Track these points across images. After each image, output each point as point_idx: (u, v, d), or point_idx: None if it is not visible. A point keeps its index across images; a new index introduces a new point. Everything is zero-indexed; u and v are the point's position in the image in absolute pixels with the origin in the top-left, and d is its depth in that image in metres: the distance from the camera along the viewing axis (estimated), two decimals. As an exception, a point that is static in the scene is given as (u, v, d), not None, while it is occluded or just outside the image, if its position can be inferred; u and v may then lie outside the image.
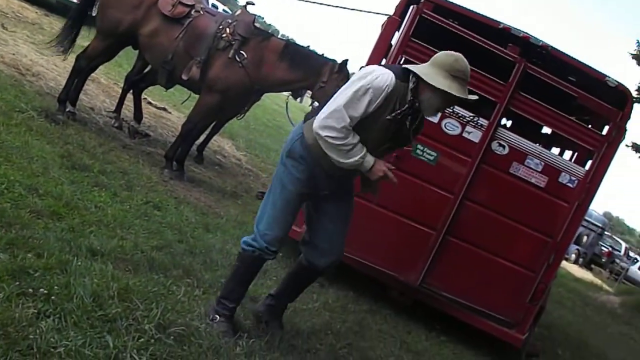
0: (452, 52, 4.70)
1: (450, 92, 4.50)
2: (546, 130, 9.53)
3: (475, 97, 4.70)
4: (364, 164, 4.64)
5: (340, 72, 8.60)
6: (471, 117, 7.14)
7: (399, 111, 4.58)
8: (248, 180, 11.23)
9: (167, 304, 4.68)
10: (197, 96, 9.27)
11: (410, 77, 4.60)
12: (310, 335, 5.63)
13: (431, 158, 7.13)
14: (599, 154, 7.34)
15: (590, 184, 7.34)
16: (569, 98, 7.33)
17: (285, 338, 5.25)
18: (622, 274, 33.71)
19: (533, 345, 8.22)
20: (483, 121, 7.16)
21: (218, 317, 4.92)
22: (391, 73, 4.53)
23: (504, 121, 10.07)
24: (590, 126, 7.97)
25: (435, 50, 6.92)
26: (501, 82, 7.17)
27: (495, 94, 7.16)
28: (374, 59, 7.37)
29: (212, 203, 8.36)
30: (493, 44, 7.13)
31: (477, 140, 7.16)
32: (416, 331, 7.17)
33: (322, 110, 4.57)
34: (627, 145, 19.21)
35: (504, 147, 7.21)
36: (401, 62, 7.05)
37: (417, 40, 7.16)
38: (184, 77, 8.65)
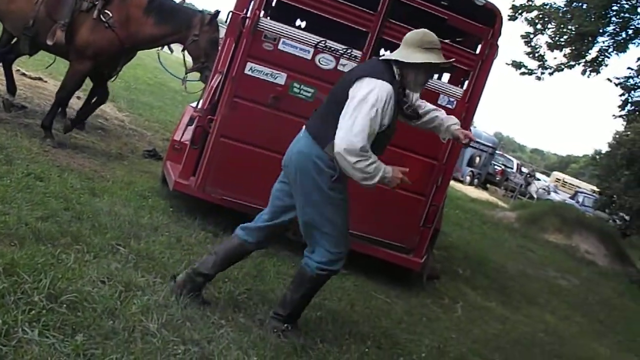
0: (419, 29, 5.06)
1: (430, 62, 4.84)
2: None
3: (452, 60, 5.16)
4: (385, 177, 4.79)
5: (211, 24, 8.49)
6: (344, 50, 7.11)
7: (405, 106, 5.00)
8: (133, 140, 11.04)
9: (57, 273, 4.57)
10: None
11: (394, 68, 4.87)
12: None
13: (309, 95, 7.09)
14: (475, 73, 7.47)
15: (469, 103, 7.48)
16: (440, 21, 7.37)
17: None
18: (517, 189, 34.70)
19: (432, 268, 8.38)
20: (357, 52, 7.14)
21: (290, 326, 5.15)
22: (383, 82, 4.72)
23: (382, 52, 10.14)
24: (464, 46, 8.04)
25: None
26: (370, 11, 7.15)
27: (365, 24, 7.16)
28: (239, 5, 7.29)
29: (97, 167, 8.18)
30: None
31: (332, 65, 7.17)
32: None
33: (343, 134, 4.64)
34: (507, 64, 19.50)
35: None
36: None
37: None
38: (49, 42, 8.34)
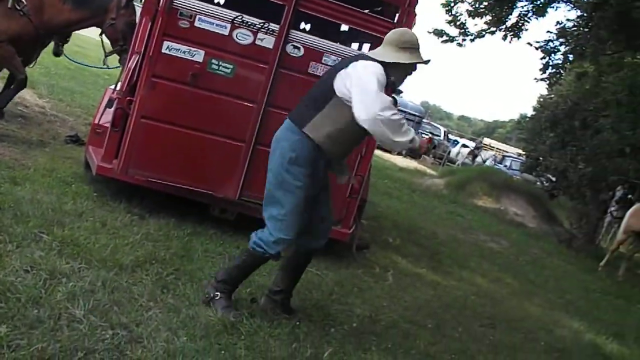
0: (398, 28, 5.41)
1: (407, 62, 5.04)
2: (345, 27, 9.60)
3: (429, 59, 5.14)
4: (415, 138, 4.87)
5: (127, 7, 8.38)
6: (261, 24, 7.05)
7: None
8: (54, 126, 10.80)
9: (-23, 265, 4.47)
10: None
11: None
12: (135, 269, 5.56)
13: (228, 71, 7.02)
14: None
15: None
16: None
17: (109, 276, 5.17)
18: (445, 156, 35.13)
19: (361, 238, 8.43)
20: (274, 26, 7.09)
21: (219, 294, 5.23)
22: (375, 63, 4.93)
23: (302, 26, 10.09)
24: (383, 16, 8.04)
25: None
26: (287, -16, 7.10)
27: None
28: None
29: (18, 156, 7.99)
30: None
31: (271, 46, 7.08)
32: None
33: (360, 101, 4.71)
34: (428, 32, 19.56)
35: (299, 48, 7.18)
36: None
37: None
38: None
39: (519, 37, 18.74)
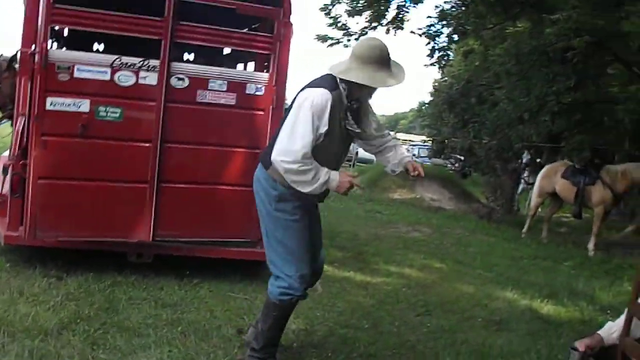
0: (365, 38, 5.10)
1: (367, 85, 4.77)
2: (227, 50, 9.60)
3: (402, 79, 4.88)
4: (331, 182, 4.69)
5: (9, 69, 8.16)
6: (141, 62, 6.99)
7: (347, 119, 4.84)
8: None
9: None
10: None
11: (339, 82, 4.77)
12: (61, 331, 5.44)
13: (116, 115, 6.91)
14: (275, 55, 7.49)
15: (277, 85, 7.49)
16: (230, 12, 7.38)
17: (35, 344, 5.06)
18: (353, 157, 35.35)
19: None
20: (154, 62, 7.03)
21: None
22: (323, 89, 4.68)
23: (186, 56, 10.06)
24: (261, 32, 8.06)
25: (87, 10, 6.77)
26: (158, 19, 7.05)
27: (156, 32, 7.05)
28: (26, 36, 7.01)
29: None
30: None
31: (155, 83, 7.01)
32: (168, 285, 7.10)
33: (278, 147, 4.63)
34: (314, 39, 19.68)
35: (183, 80, 7.13)
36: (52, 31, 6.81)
37: (62, 6, 6.84)
38: None
39: (401, 28, 19.01)
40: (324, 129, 4.66)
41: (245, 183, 7.20)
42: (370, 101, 5.19)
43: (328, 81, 4.80)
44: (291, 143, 4.58)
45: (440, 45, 19.69)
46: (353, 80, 4.73)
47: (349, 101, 4.83)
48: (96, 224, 7.03)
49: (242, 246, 7.53)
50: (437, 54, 19.77)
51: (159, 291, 6.87)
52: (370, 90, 4.92)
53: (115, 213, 7.10)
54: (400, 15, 18.91)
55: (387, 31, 19.01)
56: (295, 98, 4.86)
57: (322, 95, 4.66)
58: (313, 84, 4.82)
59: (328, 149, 4.81)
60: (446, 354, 6.06)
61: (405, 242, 12.82)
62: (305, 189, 4.66)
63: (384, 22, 18.84)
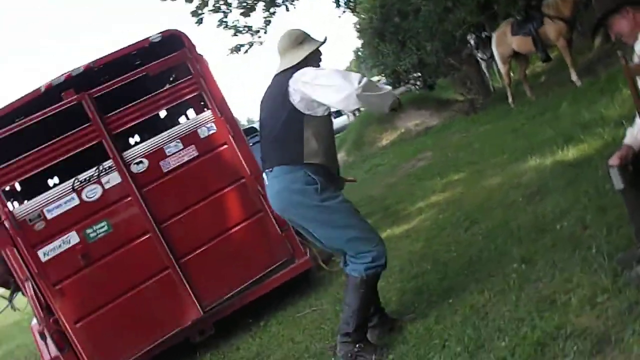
0: (283, 33, 5.16)
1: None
2: (162, 113, 9.58)
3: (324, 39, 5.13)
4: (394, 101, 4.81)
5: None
6: (97, 171, 7.01)
7: None
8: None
9: None
10: None
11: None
12: None
13: (105, 228, 6.94)
14: (204, 90, 7.50)
15: (224, 114, 7.50)
16: (147, 79, 7.40)
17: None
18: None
19: (319, 253, 8.32)
20: (107, 163, 7.05)
21: (359, 344, 5.03)
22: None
23: (137, 139, 10.04)
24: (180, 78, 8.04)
25: (24, 156, 6.84)
26: (87, 124, 7.06)
27: (93, 138, 7.06)
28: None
29: None
30: (51, 108, 7.00)
31: (120, 179, 7.06)
32: (241, 341, 7.15)
33: (337, 90, 4.66)
34: (229, 50, 19.68)
35: (141, 162, 7.16)
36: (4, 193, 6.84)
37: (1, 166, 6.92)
38: None
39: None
40: None
41: (248, 214, 7.33)
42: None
43: (281, 80, 5.00)
44: (351, 80, 4.66)
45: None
46: (303, 59, 5.01)
47: None
48: (147, 331, 7.04)
49: (280, 270, 7.53)
50: (342, 1, 19.83)
51: (237, 352, 6.90)
52: (316, 63, 5.10)
53: (157, 310, 7.12)
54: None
55: (287, 9, 19.06)
56: (277, 96, 5.00)
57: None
58: (274, 92, 5.05)
59: (327, 123, 5.01)
60: (512, 246, 6.04)
61: (417, 175, 12.82)
62: (384, 100, 4.75)
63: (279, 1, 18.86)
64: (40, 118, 6.94)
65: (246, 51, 19.49)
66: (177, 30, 7.62)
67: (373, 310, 5.33)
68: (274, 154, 5.01)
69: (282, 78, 4.99)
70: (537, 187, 7.53)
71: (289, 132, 4.91)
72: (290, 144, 4.91)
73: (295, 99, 4.85)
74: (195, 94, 7.62)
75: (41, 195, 6.97)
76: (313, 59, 5.06)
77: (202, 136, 7.39)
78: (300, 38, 5.09)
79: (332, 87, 4.68)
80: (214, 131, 7.44)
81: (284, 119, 4.90)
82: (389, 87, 4.88)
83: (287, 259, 7.52)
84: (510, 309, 4.67)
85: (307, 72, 4.85)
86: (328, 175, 4.96)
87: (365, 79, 4.63)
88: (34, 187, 8.51)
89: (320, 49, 5.16)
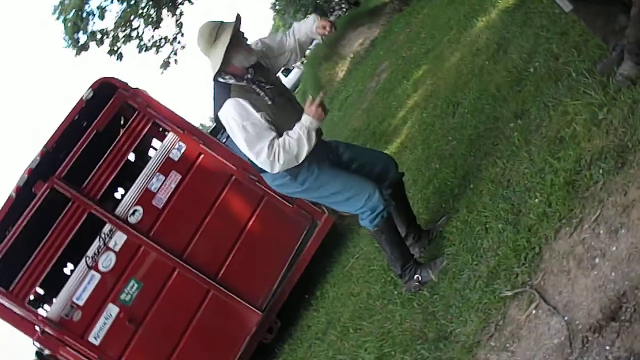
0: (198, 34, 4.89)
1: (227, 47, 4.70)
2: (130, 157, 9.55)
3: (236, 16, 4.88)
4: (311, 126, 4.67)
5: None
6: (101, 240, 7.03)
7: (267, 88, 4.84)
8: None
9: None
10: None
11: (225, 78, 4.80)
12: None
13: (136, 286, 6.97)
14: (156, 117, 7.53)
15: (184, 129, 7.58)
16: (101, 136, 7.41)
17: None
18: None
19: (340, 217, 8.21)
20: (106, 227, 7.08)
21: (413, 275, 5.04)
22: (228, 102, 4.67)
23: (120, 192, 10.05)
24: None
25: (30, 264, 6.90)
26: (69, 204, 7.09)
27: (82, 212, 7.09)
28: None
29: None
30: (31, 207, 7.02)
31: (125, 236, 7.10)
32: (313, 323, 7.14)
33: (257, 167, 4.77)
34: (161, 68, 19.59)
35: (136, 210, 7.19)
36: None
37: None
38: None
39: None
40: (263, 117, 4.67)
41: (254, 204, 7.41)
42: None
43: (222, 91, 4.80)
44: (256, 155, 4.62)
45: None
46: (224, 60, 4.73)
47: (245, 78, 4.82)
48: (222, 355, 7.13)
49: (309, 238, 7.63)
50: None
51: (309, 330, 6.92)
52: (242, 53, 4.87)
53: (221, 331, 7.24)
54: None
55: (191, 2, 18.90)
56: (220, 122, 4.90)
57: (234, 107, 4.66)
58: (217, 107, 4.81)
59: (282, 109, 4.86)
60: (500, 108, 5.99)
61: (385, 89, 12.76)
62: (304, 151, 4.66)
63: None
64: (26, 220, 6.94)
65: (175, 61, 19.39)
66: (103, 77, 7.58)
67: (406, 226, 5.40)
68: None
69: (215, 99, 4.90)
70: (496, 43, 7.48)
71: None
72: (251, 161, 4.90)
73: (229, 129, 4.81)
74: (149, 125, 7.57)
75: (64, 288, 7.00)
76: (234, 47, 4.79)
77: (176, 159, 7.42)
78: (213, 32, 4.81)
79: (247, 153, 4.73)
80: (184, 148, 7.46)
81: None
82: (303, 141, 4.65)
83: (310, 225, 7.58)
84: (527, 166, 4.67)
85: (228, 122, 4.72)
86: (313, 158, 4.87)
87: (277, 162, 4.62)
88: (54, 282, 8.52)
89: (240, 28, 4.91)
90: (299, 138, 4.63)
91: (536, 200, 4.21)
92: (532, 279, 3.77)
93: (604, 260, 3.36)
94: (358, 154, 5.31)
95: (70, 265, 9.79)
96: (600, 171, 3.75)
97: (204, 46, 4.83)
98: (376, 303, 5.74)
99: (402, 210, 5.40)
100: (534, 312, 3.59)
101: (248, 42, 4.99)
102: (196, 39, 4.91)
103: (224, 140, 10.83)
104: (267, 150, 4.57)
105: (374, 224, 4.96)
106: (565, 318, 3.32)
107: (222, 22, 4.87)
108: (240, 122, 4.61)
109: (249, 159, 4.86)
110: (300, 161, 4.68)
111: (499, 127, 5.71)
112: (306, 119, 4.67)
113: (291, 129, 4.70)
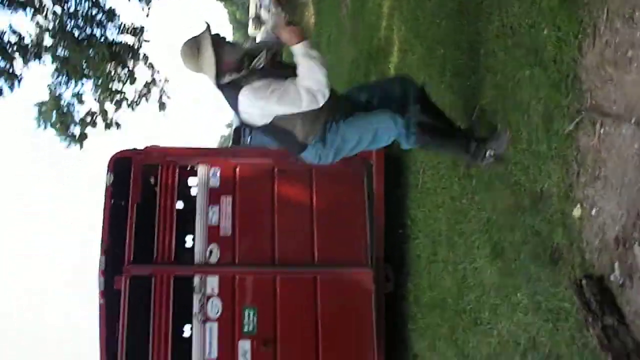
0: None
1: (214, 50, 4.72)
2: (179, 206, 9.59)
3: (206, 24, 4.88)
4: (303, 52, 4.65)
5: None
6: (199, 295, 7.09)
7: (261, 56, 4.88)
8: None
9: None
10: None
11: (233, 76, 4.80)
12: None
13: (252, 312, 6.95)
14: (180, 161, 7.60)
15: (208, 155, 7.56)
16: (139, 206, 7.42)
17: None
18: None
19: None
20: (198, 278, 7.13)
21: (489, 152, 5.00)
22: (241, 90, 4.73)
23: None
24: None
25: None
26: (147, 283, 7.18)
27: (166, 284, 7.16)
28: None
29: None
30: (123, 301, 7.05)
31: (217, 277, 7.12)
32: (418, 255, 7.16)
33: (293, 103, 4.68)
34: (159, 110, 19.53)
35: (212, 250, 7.22)
36: None
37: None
38: None
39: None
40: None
41: (307, 180, 7.38)
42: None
43: (231, 90, 4.87)
44: (300, 100, 4.65)
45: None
46: (214, 66, 4.76)
47: (244, 67, 4.86)
48: (359, 328, 7.21)
49: (372, 181, 7.57)
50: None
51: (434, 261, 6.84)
52: (232, 52, 4.90)
53: (346, 308, 7.25)
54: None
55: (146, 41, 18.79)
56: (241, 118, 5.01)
57: (249, 92, 4.75)
58: (234, 104, 4.89)
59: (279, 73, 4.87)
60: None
61: (360, 14, 12.48)
62: (320, 67, 4.63)
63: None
64: (127, 317, 7.01)
65: (168, 97, 19.29)
66: (112, 155, 7.52)
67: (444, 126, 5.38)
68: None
69: (231, 92, 4.91)
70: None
71: (278, 134, 5.00)
72: (284, 143, 5.09)
73: (254, 121, 4.89)
74: (177, 170, 7.58)
75: (193, 353, 7.02)
76: (219, 48, 4.80)
77: (217, 184, 7.42)
78: (194, 47, 4.83)
79: (284, 102, 4.70)
80: (219, 170, 7.46)
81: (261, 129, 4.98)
82: (304, 65, 4.64)
83: (366, 169, 7.50)
84: (519, 5, 4.64)
85: (256, 106, 4.80)
86: (316, 120, 4.92)
87: (304, 89, 4.64)
88: (181, 356, 8.63)
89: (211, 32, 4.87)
90: (307, 65, 4.63)
91: (544, 31, 4.16)
92: (583, 103, 3.74)
93: (635, 49, 3.30)
94: (373, 89, 5.34)
95: (186, 330, 9.97)
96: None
97: (193, 65, 4.84)
98: (463, 202, 5.77)
99: (437, 119, 5.37)
100: (602, 131, 3.55)
101: (230, 40, 5.04)
102: (182, 63, 4.91)
103: (248, 140, 10.83)
104: (301, 90, 4.62)
105: (412, 142, 4.98)
106: (633, 120, 3.28)
107: (194, 36, 4.86)
108: (264, 94, 4.70)
109: (284, 141, 5.01)
110: (326, 78, 4.65)
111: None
112: (294, 49, 4.69)
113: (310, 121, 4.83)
